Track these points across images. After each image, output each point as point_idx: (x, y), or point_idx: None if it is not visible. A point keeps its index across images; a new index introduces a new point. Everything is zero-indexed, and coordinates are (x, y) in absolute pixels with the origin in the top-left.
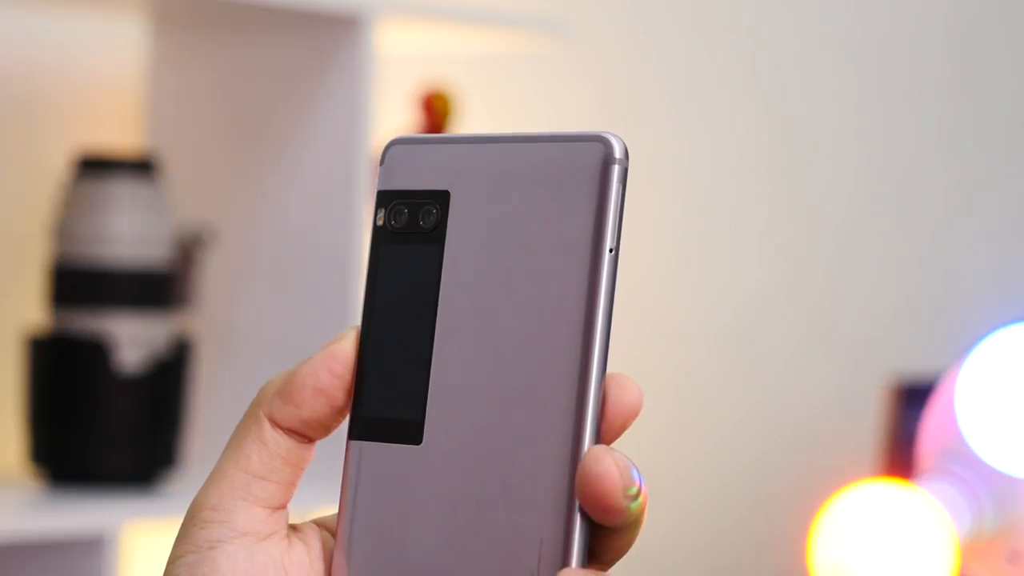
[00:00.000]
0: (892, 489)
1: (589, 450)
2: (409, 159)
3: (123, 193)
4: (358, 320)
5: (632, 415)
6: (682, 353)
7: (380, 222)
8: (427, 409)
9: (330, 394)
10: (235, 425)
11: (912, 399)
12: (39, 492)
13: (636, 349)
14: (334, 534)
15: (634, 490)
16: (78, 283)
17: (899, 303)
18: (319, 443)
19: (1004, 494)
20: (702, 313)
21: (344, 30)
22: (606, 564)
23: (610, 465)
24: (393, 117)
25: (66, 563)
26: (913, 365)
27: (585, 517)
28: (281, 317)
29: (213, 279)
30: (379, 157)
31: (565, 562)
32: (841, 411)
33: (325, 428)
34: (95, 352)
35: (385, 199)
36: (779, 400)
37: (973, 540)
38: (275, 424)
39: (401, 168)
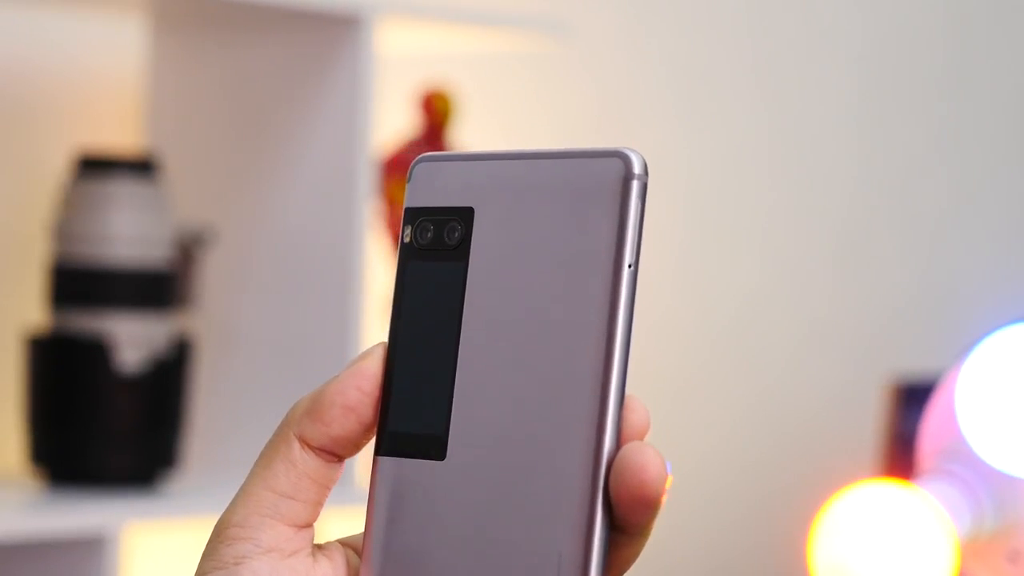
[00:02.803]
0: (892, 489)
1: (628, 445)
2: (435, 176)
3: (123, 193)
4: (363, 322)
5: (639, 436)
6: (682, 353)
7: (407, 239)
8: (451, 424)
9: (359, 411)
10: (235, 425)
11: (912, 399)
12: (39, 492)
13: (636, 349)
14: (359, 553)
15: (669, 482)
16: (78, 283)
17: (899, 303)
18: None
19: (1004, 494)
20: (702, 313)
21: (344, 30)
22: None
23: (653, 455)
24: (393, 117)
25: (66, 563)
26: (913, 365)
27: (604, 528)
28: (281, 317)
29: (213, 279)
30: (380, 159)
31: (585, 574)
32: (841, 411)
33: (355, 446)
34: (95, 352)
35: (412, 216)
36: (779, 400)
37: (973, 540)
38: (304, 444)
39: (427, 185)
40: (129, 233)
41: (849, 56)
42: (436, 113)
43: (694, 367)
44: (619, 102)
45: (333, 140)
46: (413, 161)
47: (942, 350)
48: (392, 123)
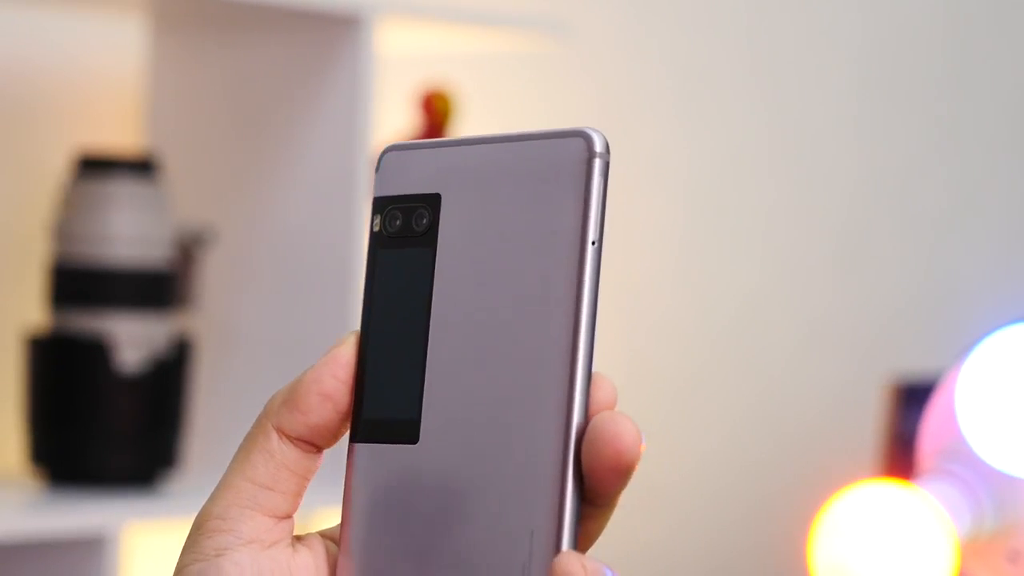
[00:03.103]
0: (892, 489)
1: (600, 415)
2: (403, 165)
3: (123, 193)
4: (358, 321)
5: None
6: (682, 353)
7: (376, 228)
8: (423, 408)
9: (335, 399)
10: (235, 425)
11: (912, 399)
12: (39, 492)
13: (636, 349)
14: (338, 544)
15: (642, 449)
16: (78, 283)
17: (899, 303)
18: None
19: (1004, 494)
20: (702, 313)
21: (344, 30)
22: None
23: (627, 423)
24: (393, 117)
25: (66, 563)
26: (913, 365)
27: (575, 501)
28: (281, 317)
29: (213, 279)
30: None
31: (557, 548)
32: (841, 411)
33: (332, 435)
34: (95, 352)
35: (380, 205)
36: (779, 400)
37: (973, 540)
38: (283, 434)
39: (395, 174)
40: (129, 233)
41: (849, 56)
42: (436, 113)
43: (694, 367)
44: (619, 102)
45: (333, 140)
46: (380, 151)
47: (942, 350)
48: (392, 123)
